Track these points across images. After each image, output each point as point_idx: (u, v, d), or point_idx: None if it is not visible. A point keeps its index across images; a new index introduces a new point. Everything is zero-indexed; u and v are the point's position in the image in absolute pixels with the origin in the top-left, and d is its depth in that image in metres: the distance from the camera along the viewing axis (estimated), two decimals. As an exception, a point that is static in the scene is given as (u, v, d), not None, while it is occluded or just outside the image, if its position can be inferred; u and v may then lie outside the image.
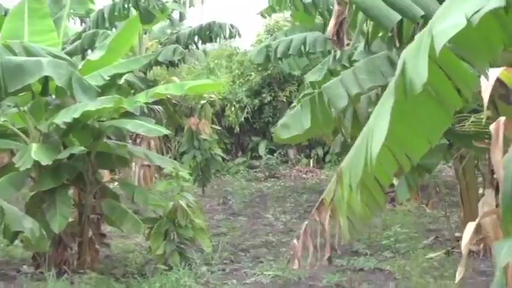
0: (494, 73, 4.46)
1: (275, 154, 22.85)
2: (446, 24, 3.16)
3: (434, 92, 3.80)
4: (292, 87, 23.21)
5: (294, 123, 7.28)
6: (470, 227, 4.81)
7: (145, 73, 19.15)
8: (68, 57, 10.27)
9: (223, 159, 20.41)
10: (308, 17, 14.34)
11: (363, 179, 4.06)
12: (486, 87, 4.41)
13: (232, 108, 23.47)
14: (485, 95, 4.33)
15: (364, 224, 5.17)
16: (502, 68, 4.56)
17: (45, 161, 8.80)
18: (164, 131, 10.24)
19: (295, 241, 5.59)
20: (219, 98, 22.81)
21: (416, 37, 3.49)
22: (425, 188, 14.44)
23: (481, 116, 7.02)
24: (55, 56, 9.22)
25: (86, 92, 8.72)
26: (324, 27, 13.59)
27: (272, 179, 21.37)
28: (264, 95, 23.57)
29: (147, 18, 17.48)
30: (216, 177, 20.84)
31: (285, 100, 22.92)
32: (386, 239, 11.17)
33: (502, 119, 4.59)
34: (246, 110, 23.57)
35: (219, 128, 21.41)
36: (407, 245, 10.74)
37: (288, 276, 9.14)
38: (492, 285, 4.11)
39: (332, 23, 6.91)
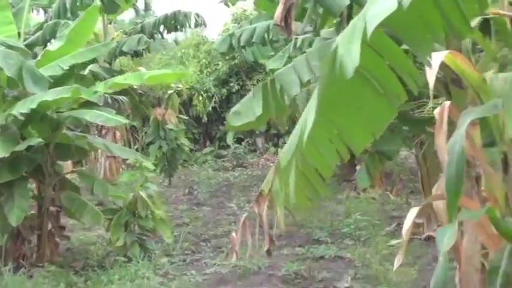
0: (439, 57, 4.40)
1: (243, 143, 22.83)
2: (378, 8, 3.12)
3: (375, 82, 3.75)
4: (259, 75, 23.17)
5: (245, 110, 7.19)
6: (413, 212, 4.79)
7: (110, 63, 18.99)
8: (25, 48, 10.13)
9: (191, 149, 20.37)
10: (271, 5, 14.19)
11: (303, 171, 4.01)
12: (431, 71, 4.35)
13: (200, 98, 23.39)
14: (431, 79, 4.27)
15: (304, 214, 5.14)
16: (446, 52, 4.50)
17: (2, 154, 8.67)
18: (123, 120, 10.11)
19: (234, 234, 5.54)
20: (187, 88, 22.72)
21: (351, 22, 3.43)
22: (390, 175, 14.46)
23: (439, 101, 7.00)
24: (8, 47, 9.10)
25: (37, 82, 8.60)
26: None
27: (240, 168, 21.31)
28: (231, 84, 23.53)
29: (111, 8, 17.27)
30: (184, 167, 20.80)
31: (252, 89, 22.76)
32: (348, 226, 11.18)
33: (447, 103, 4.56)
34: (213, 100, 23.52)
35: (187, 117, 21.31)
36: (368, 232, 10.74)
37: (248, 266, 9.10)
38: (436, 270, 4.10)
39: (280, 8, 6.81)
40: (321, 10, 7.62)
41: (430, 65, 3.86)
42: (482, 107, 4.41)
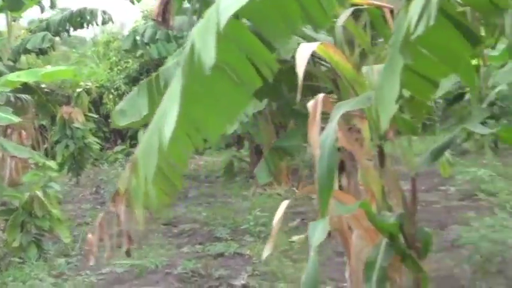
0: (309, 48, 4.35)
1: (154, 141, 22.59)
2: (231, 0, 3.06)
3: (232, 72, 3.69)
4: (170, 73, 22.96)
5: (130, 108, 7.06)
6: (283, 205, 4.76)
7: (14, 61, 18.57)
8: None
9: (101, 148, 20.09)
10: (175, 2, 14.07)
11: (159, 166, 3.92)
12: (301, 63, 4.28)
13: (110, 96, 23.11)
14: (300, 70, 4.20)
15: (162, 211, 5.02)
16: (317, 43, 4.46)
17: None
18: (15, 119, 9.83)
19: (90, 235, 5.39)
20: (96, 86, 22.44)
21: (205, 14, 3.36)
22: (296, 171, 14.47)
23: (335, 96, 6.99)
24: None
25: None
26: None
27: (150, 167, 21.01)
28: (142, 82, 23.23)
29: (14, 5, 16.94)
30: (94, 166, 20.47)
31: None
32: (249, 223, 11.08)
33: (320, 96, 4.50)
34: (124, 98, 23.18)
35: (97, 116, 21.03)
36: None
37: (146, 264, 8.98)
38: (307, 266, 4.07)
39: (157, 2, 6.71)
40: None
41: (287, 54, 3.81)
42: (355, 99, 4.39)
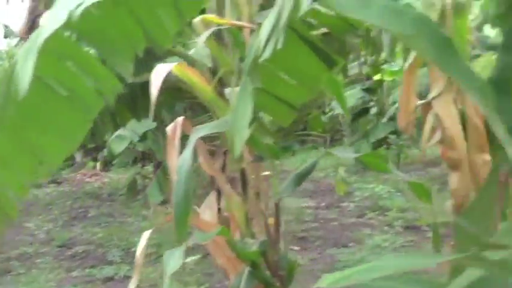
0: (165, 69, 4.19)
1: (58, 158, 22.06)
2: (52, 20, 2.88)
3: (71, 94, 3.47)
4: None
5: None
6: (146, 235, 4.59)
7: None
8: None
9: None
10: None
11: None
12: (156, 83, 4.11)
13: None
14: (154, 92, 4.03)
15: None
16: (173, 64, 4.29)
17: None
18: None
19: None
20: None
21: (32, 35, 3.15)
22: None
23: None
24: None
25: None
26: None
27: (53, 185, 20.36)
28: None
29: None
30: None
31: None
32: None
33: (180, 119, 4.34)
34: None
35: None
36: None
37: (30, 291, 8.68)
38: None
39: (24, 20, 6.46)
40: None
41: (128, 76, 3.59)
42: (214, 123, 4.24)
